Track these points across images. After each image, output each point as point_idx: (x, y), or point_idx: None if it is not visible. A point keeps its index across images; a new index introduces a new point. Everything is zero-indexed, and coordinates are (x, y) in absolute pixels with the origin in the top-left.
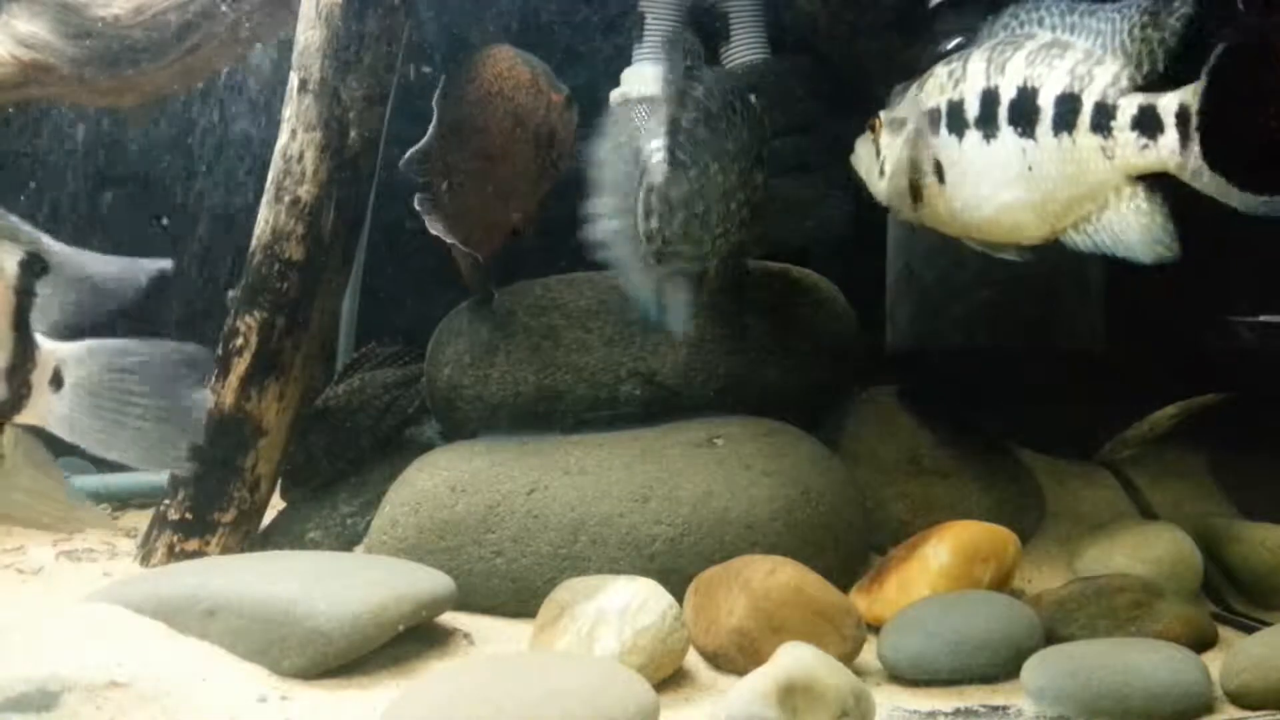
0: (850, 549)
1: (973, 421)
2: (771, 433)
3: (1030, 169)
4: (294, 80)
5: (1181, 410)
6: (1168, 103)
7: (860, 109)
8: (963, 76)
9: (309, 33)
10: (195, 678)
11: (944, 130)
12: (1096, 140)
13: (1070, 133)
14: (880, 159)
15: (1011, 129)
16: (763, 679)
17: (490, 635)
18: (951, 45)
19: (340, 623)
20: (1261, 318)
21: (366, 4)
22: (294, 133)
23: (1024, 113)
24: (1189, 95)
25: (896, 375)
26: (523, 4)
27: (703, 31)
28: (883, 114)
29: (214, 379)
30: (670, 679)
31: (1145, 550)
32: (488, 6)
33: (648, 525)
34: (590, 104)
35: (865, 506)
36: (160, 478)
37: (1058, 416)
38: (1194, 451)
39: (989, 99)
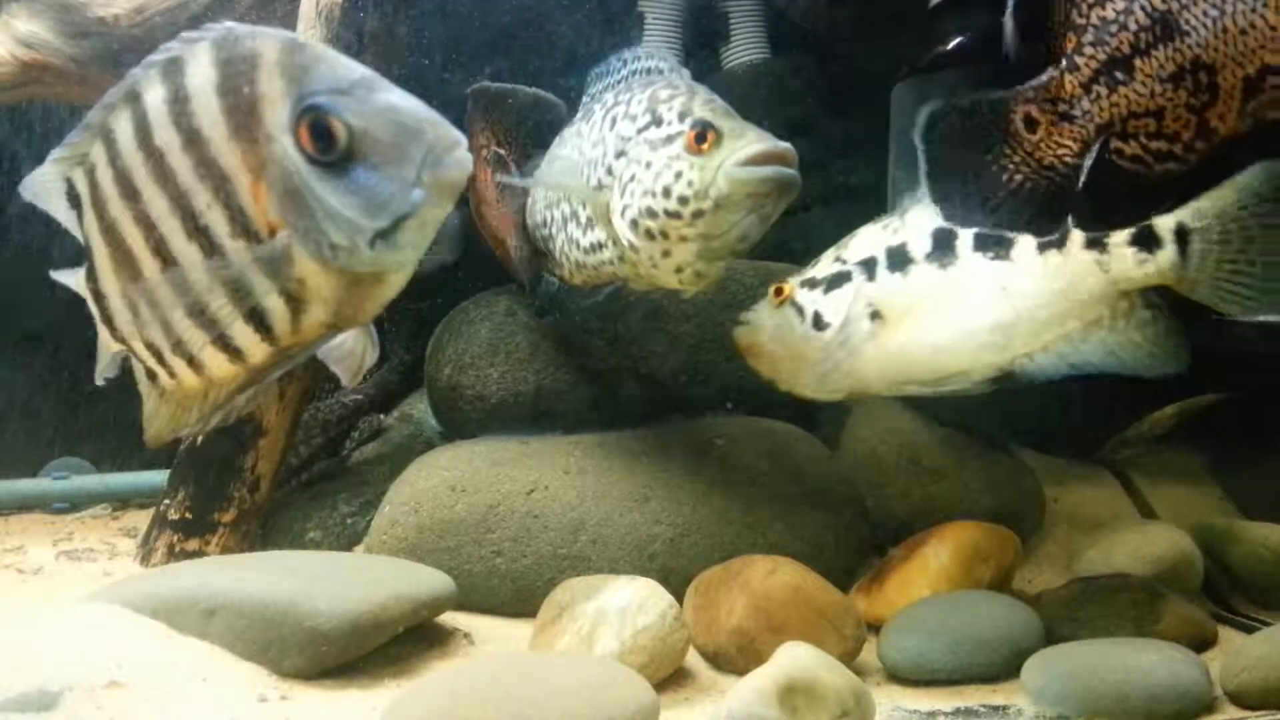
0: (850, 549)
1: (973, 421)
2: (771, 433)
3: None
4: None
5: (1181, 410)
6: (1165, 221)
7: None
8: (901, 225)
9: (309, 33)
10: (195, 678)
11: (883, 273)
12: (1091, 255)
13: (1060, 249)
14: (808, 315)
15: (979, 254)
16: (763, 679)
17: (490, 635)
18: (952, 45)
19: (340, 623)
20: (1261, 317)
21: (366, 4)
22: None
23: (993, 238)
24: (1185, 215)
25: None
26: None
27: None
28: (790, 280)
29: None
30: (670, 679)
31: (1145, 550)
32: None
33: (648, 525)
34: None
35: (865, 506)
36: (160, 477)
37: (1058, 417)
38: (1194, 451)
39: (942, 236)
